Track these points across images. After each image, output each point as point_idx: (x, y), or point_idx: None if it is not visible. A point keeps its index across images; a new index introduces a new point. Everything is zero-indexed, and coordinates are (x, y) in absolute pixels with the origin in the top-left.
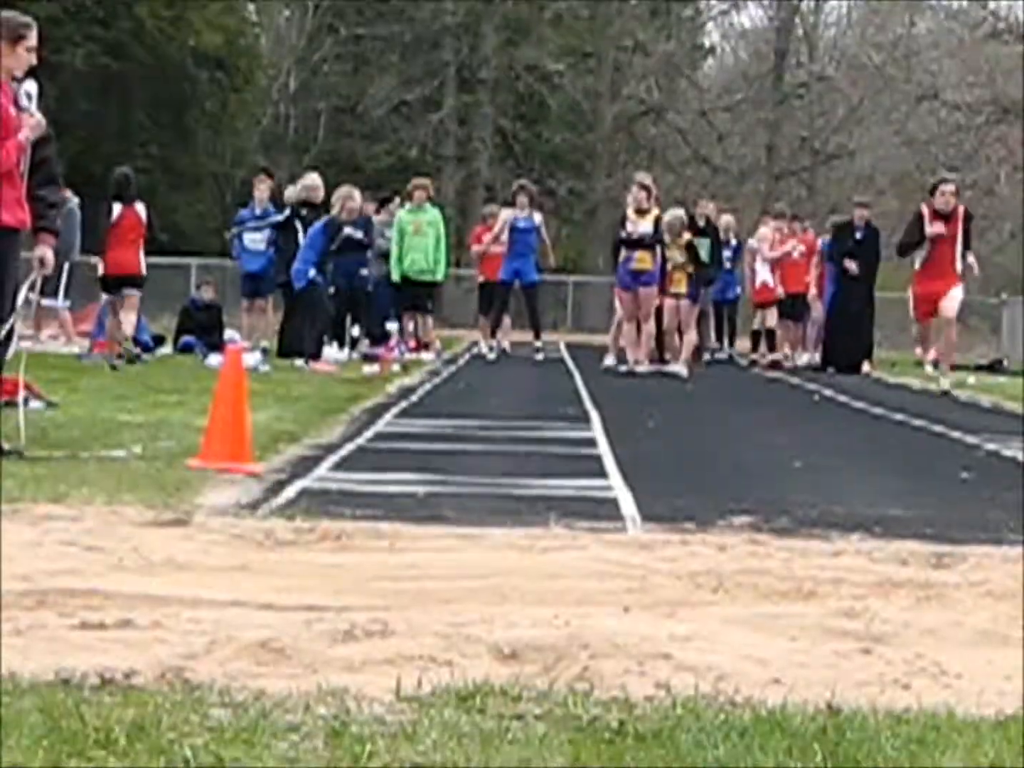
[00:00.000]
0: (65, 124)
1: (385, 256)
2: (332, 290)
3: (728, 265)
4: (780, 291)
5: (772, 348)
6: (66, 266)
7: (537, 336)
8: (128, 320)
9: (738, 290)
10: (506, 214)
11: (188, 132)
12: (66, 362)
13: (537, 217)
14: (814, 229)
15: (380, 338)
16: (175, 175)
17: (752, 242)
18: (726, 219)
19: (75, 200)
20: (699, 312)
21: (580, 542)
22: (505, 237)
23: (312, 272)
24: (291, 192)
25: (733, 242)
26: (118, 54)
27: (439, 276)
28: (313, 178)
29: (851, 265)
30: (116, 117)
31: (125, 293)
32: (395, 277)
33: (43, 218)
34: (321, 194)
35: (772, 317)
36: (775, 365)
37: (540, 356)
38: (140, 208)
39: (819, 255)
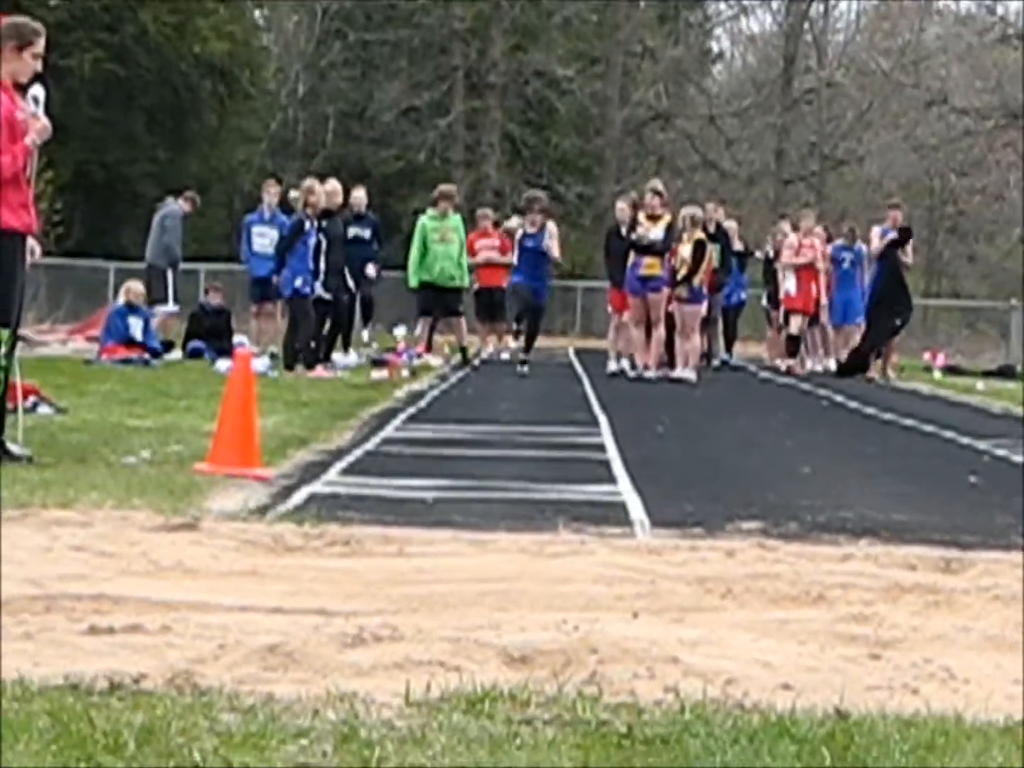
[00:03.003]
0: (71, 129)
1: None
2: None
3: (735, 270)
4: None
5: (792, 354)
6: (169, 272)
7: (527, 351)
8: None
9: (743, 295)
10: (515, 224)
11: (195, 137)
12: (74, 367)
13: (550, 228)
14: (824, 235)
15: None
16: (182, 180)
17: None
18: (730, 225)
19: (178, 205)
20: (709, 318)
21: (589, 547)
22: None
23: (299, 281)
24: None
25: (739, 247)
26: (125, 60)
27: (466, 282)
28: (332, 184)
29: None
30: (122, 123)
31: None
32: (413, 283)
33: None
34: (340, 200)
35: (795, 324)
36: (789, 371)
37: (525, 370)
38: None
39: (829, 261)
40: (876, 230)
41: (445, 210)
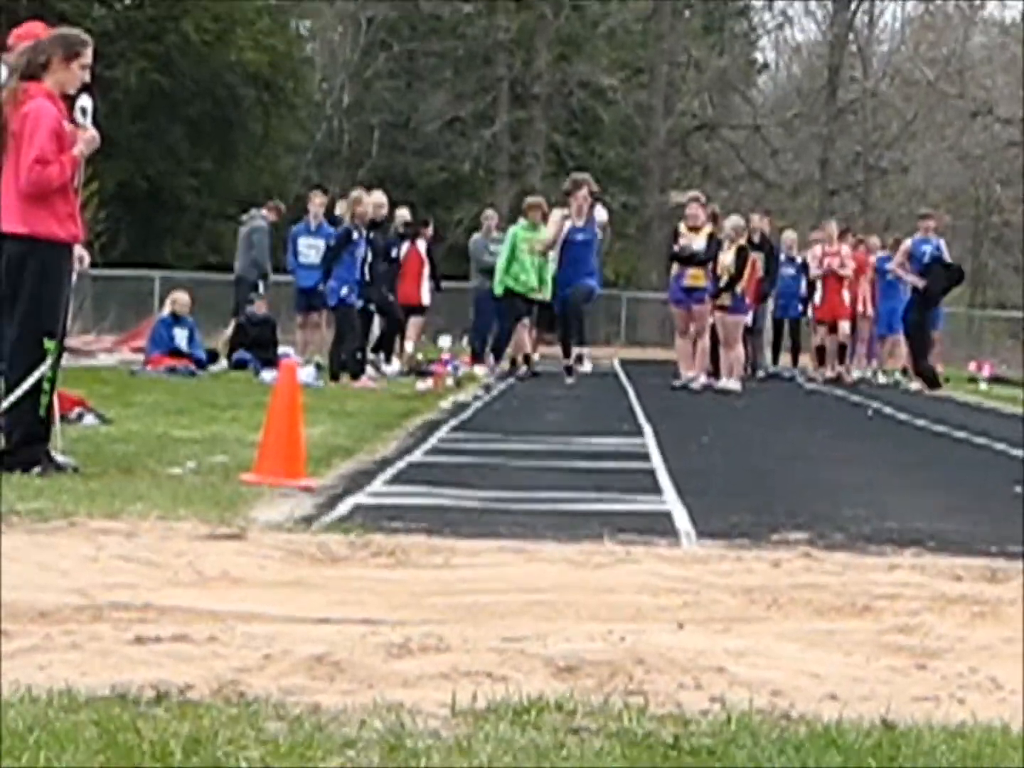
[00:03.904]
0: (116, 140)
1: (489, 272)
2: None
3: (791, 282)
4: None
5: (821, 362)
6: (260, 284)
7: (569, 354)
8: (409, 342)
9: (800, 307)
10: (558, 217)
11: (239, 148)
12: (119, 377)
13: (600, 215)
14: (853, 242)
15: (479, 353)
16: (227, 191)
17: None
18: (788, 235)
19: (262, 217)
20: (754, 328)
21: (634, 557)
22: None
23: (344, 291)
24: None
25: (798, 259)
26: (169, 71)
27: (547, 294)
28: (377, 195)
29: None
30: (167, 133)
31: (411, 320)
32: (498, 291)
33: None
34: (385, 211)
35: (817, 335)
36: (834, 380)
37: (572, 380)
38: (421, 246)
39: (872, 271)
40: (907, 244)
41: (536, 220)
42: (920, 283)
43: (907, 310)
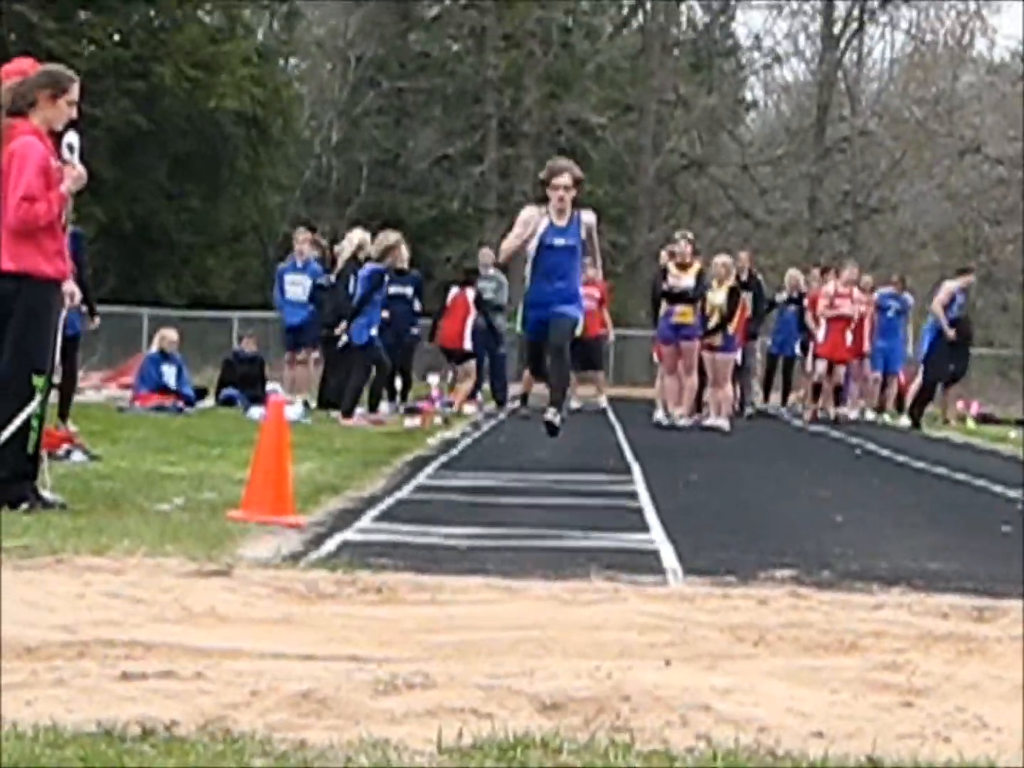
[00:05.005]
0: (102, 178)
1: (497, 309)
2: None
3: (791, 319)
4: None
5: (815, 399)
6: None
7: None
8: (463, 387)
9: (796, 346)
10: (530, 215)
11: (228, 185)
12: (107, 414)
13: (587, 220)
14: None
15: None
16: (216, 229)
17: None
18: (792, 273)
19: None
20: (742, 366)
21: (621, 595)
22: (530, 251)
23: (373, 330)
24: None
25: (795, 296)
26: (155, 109)
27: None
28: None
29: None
30: (155, 170)
31: (462, 367)
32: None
33: None
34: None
35: (816, 370)
36: (825, 420)
37: (557, 418)
38: (470, 294)
39: (874, 309)
40: (951, 286)
41: None
42: (951, 334)
43: (929, 353)
